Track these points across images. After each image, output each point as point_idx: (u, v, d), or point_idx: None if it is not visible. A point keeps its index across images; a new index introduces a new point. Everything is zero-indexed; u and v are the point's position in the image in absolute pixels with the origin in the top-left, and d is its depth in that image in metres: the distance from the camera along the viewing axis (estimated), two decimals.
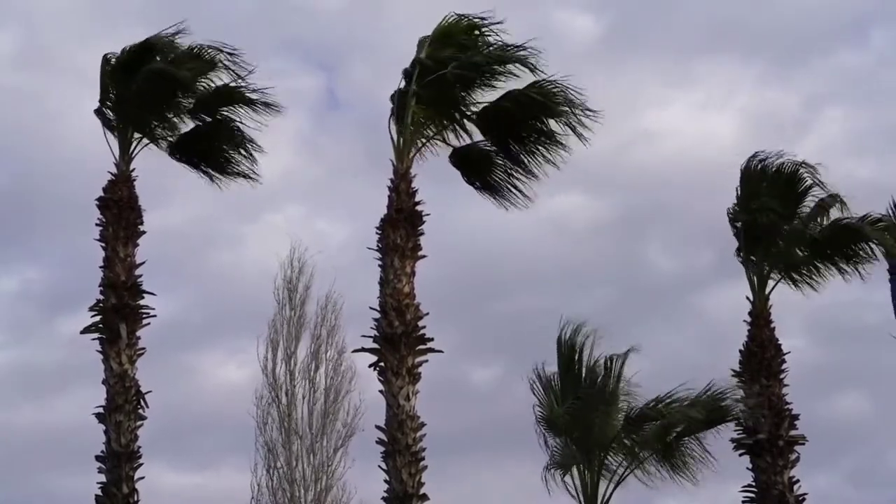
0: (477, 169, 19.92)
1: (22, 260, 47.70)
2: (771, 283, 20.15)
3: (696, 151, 40.56)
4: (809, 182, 20.15)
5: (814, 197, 20.25)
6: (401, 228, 18.47)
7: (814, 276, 20.57)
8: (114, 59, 19.54)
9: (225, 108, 20.10)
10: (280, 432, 30.00)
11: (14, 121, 39.87)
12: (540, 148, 19.35)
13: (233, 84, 19.75)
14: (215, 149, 20.37)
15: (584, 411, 18.48)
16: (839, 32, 46.91)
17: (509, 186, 19.85)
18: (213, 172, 20.53)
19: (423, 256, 18.62)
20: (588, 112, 18.63)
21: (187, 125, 20.25)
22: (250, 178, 20.46)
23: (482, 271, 39.15)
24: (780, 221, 20.03)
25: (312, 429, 30.08)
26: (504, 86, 19.08)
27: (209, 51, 19.58)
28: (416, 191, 18.78)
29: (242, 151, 20.28)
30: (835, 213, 20.13)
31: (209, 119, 20.17)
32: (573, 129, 18.82)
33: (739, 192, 20.38)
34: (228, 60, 19.55)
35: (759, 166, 20.19)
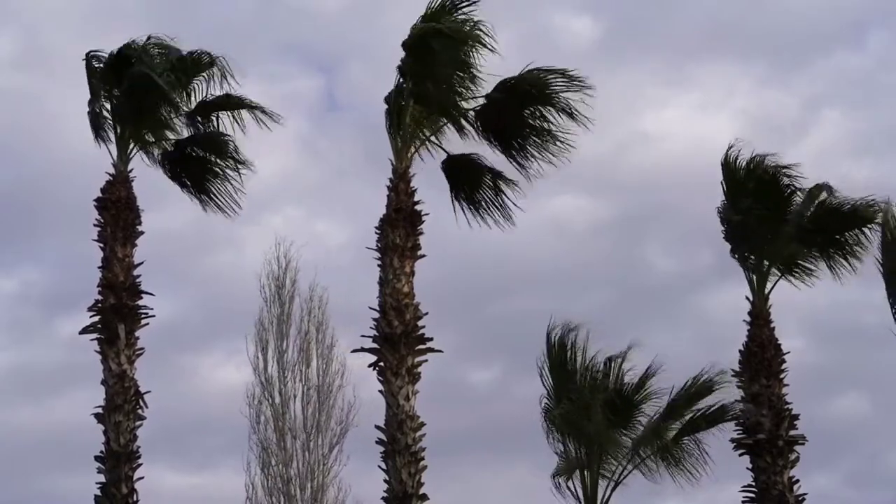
0: (465, 181, 19.80)
1: (22, 261, 47.84)
2: (770, 282, 20.12)
3: (694, 153, 40.54)
4: (795, 184, 20.12)
5: (801, 195, 20.23)
6: (400, 228, 18.47)
7: (811, 271, 20.54)
8: (103, 57, 19.53)
9: (217, 115, 20.13)
10: (274, 431, 29.87)
11: (13, 122, 39.91)
12: (537, 142, 19.31)
13: (229, 93, 19.81)
14: (202, 166, 20.33)
15: (579, 412, 18.43)
16: (837, 35, 46.97)
17: (497, 204, 19.77)
18: (197, 191, 20.48)
19: (423, 256, 18.63)
20: (583, 89, 18.63)
21: (181, 133, 20.27)
22: (232, 205, 20.46)
23: (481, 272, 39.13)
24: (772, 219, 20.00)
25: (306, 427, 29.94)
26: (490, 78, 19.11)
27: (199, 56, 19.60)
28: (415, 190, 18.80)
29: (226, 173, 20.24)
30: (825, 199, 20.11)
31: (202, 128, 20.16)
32: (570, 115, 18.82)
33: (725, 189, 20.35)
34: (218, 65, 19.59)
35: (739, 161, 20.15)
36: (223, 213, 20.52)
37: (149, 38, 19.45)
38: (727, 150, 20.17)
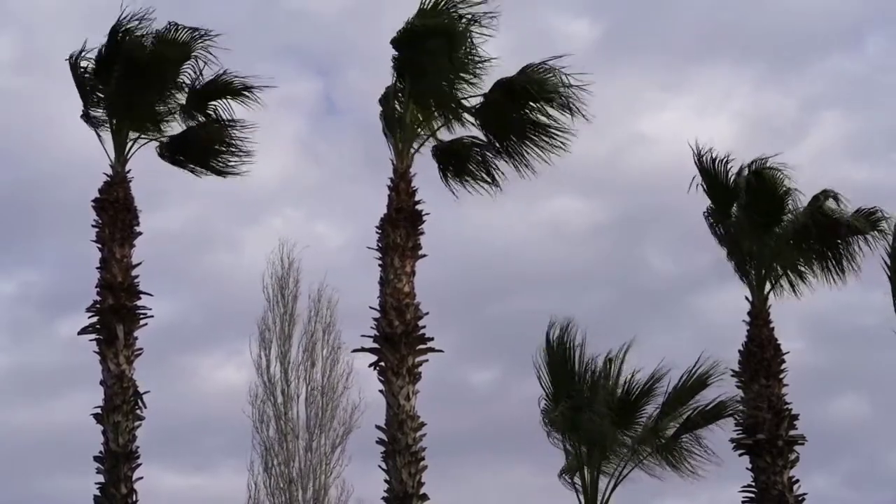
0: (455, 162, 19.87)
1: (20, 263, 47.79)
2: (769, 283, 20.12)
3: (692, 156, 40.50)
4: (787, 186, 20.14)
5: (795, 195, 20.25)
6: (401, 228, 18.47)
7: (807, 277, 20.53)
8: (90, 60, 19.51)
9: (215, 102, 20.12)
10: (277, 431, 29.99)
11: (12, 124, 39.90)
12: (535, 139, 19.34)
13: (224, 77, 19.77)
14: (204, 145, 20.37)
15: (579, 411, 18.42)
16: (835, 37, 47.01)
17: (487, 173, 19.85)
18: (199, 169, 20.58)
19: (423, 256, 18.62)
20: (579, 95, 18.73)
21: (177, 125, 20.29)
22: (236, 173, 20.56)
23: (481, 273, 39.20)
24: (766, 224, 20.02)
25: (309, 427, 30.07)
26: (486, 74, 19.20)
27: (184, 32, 19.44)
28: (416, 190, 18.81)
29: (232, 147, 20.33)
30: (830, 208, 20.09)
31: (199, 115, 20.16)
32: (568, 109, 18.88)
33: (707, 192, 20.35)
34: (205, 41, 19.50)
35: (717, 165, 20.20)
36: (233, 176, 20.57)
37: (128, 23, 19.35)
38: (700, 155, 20.23)
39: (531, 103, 19.10)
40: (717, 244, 20.47)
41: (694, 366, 18.84)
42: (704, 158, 20.26)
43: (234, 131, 20.23)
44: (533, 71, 18.88)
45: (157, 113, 19.94)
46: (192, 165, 20.54)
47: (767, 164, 20.03)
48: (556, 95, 18.84)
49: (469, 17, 18.81)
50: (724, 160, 20.25)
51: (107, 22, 19.32)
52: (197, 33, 19.39)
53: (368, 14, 43.09)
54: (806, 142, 42.16)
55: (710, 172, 20.27)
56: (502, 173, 19.82)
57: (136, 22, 19.24)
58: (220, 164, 20.49)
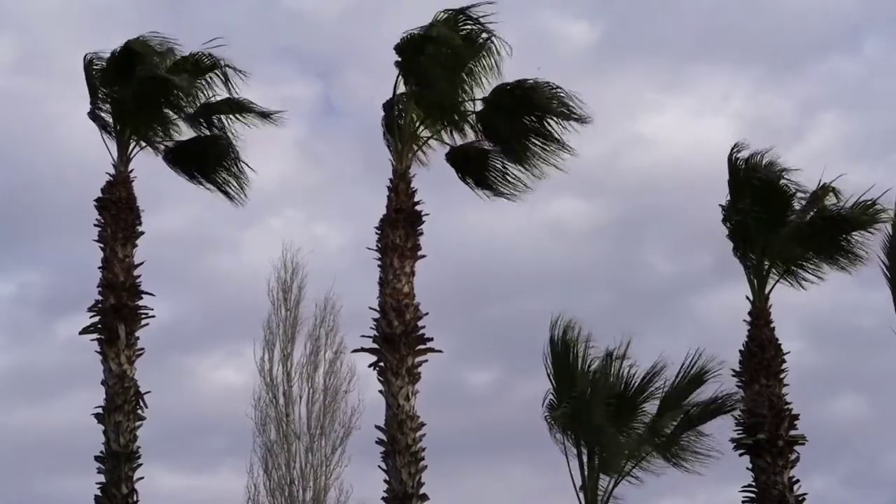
0: (472, 167, 20.02)
1: (20, 264, 47.74)
2: (770, 282, 20.15)
3: (691, 156, 40.59)
4: (794, 188, 20.18)
5: (801, 195, 20.28)
6: (400, 228, 18.52)
7: (810, 273, 20.57)
8: (103, 61, 19.50)
9: (222, 117, 20.21)
10: (278, 433, 30.16)
11: (11, 125, 39.94)
12: (538, 145, 19.43)
13: (233, 97, 19.88)
14: (209, 161, 20.46)
15: (582, 410, 18.45)
16: (833, 39, 47.08)
17: (505, 181, 19.99)
18: (205, 183, 20.68)
19: (423, 256, 18.67)
20: (578, 110, 18.91)
21: (184, 133, 20.36)
22: (238, 197, 20.66)
23: (480, 274, 39.20)
24: (772, 220, 20.05)
25: (311, 429, 30.26)
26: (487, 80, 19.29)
27: (204, 58, 19.64)
28: (416, 191, 18.86)
29: (234, 168, 20.42)
30: (829, 202, 20.12)
31: (206, 129, 20.25)
32: (567, 116, 19.02)
33: (729, 187, 20.40)
34: (223, 69, 19.63)
35: (742, 160, 20.23)
36: (231, 201, 20.69)
37: (141, 37, 19.39)
38: (732, 149, 20.24)
39: (530, 114, 19.25)
40: (725, 239, 20.50)
41: (690, 361, 18.89)
42: (734, 153, 20.27)
43: (238, 149, 20.38)
44: (532, 83, 19.00)
45: (163, 120, 19.98)
46: (197, 175, 20.61)
47: (775, 162, 20.12)
48: (556, 109, 18.97)
49: (479, 29, 18.87)
50: (743, 154, 20.31)
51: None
52: (219, 62, 19.55)
53: (368, 16, 43.20)
54: (803, 144, 42.21)
55: (735, 166, 20.29)
56: (516, 178, 20.00)
57: (154, 45, 19.36)
58: (222, 181, 20.55)
